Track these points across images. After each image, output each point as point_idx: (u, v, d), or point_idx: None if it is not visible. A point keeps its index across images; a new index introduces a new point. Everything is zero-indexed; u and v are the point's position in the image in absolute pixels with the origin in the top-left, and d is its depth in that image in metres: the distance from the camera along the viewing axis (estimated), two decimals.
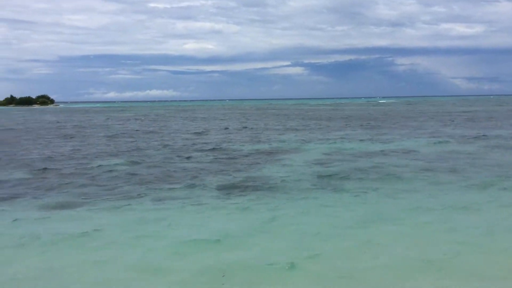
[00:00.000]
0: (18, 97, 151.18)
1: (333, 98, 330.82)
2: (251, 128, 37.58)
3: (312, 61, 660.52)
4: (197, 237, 8.74)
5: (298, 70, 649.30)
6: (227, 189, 13.19)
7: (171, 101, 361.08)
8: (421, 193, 12.29)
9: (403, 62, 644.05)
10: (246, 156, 20.26)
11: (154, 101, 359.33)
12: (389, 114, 59.08)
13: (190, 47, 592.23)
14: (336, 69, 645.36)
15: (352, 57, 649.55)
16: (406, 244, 8.25)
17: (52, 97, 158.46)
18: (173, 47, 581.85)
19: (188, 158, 19.87)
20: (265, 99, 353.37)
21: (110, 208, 11.20)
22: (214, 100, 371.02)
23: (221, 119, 54.51)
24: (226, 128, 38.13)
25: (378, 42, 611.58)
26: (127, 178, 15.16)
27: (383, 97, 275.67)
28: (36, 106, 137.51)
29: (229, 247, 8.23)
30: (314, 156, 19.80)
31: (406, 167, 16.31)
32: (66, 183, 14.43)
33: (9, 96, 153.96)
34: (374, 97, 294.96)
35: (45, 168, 17.29)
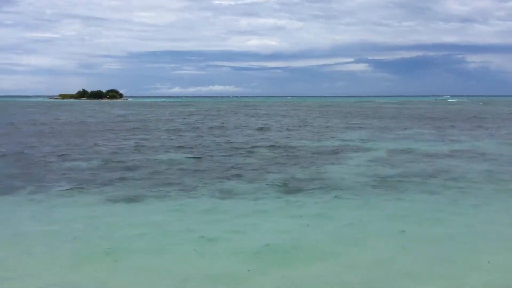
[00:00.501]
0: (90, 91, 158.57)
1: (398, 96, 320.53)
2: (314, 126, 36.97)
3: (377, 57, 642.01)
4: (261, 243, 8.23)
5: (361, 66, 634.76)
6: (291, 189, 12.80)
7: (233, 96, 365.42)
8: (491, 206, 10.96)
9: (474, 60, 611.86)
10: (309, 154, 19.79)
11: (217, 96, 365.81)
12: (459, 114, 56.23)
13: (253, 43, 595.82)
14: (402, 66, 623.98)
15: (419, 53, 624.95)
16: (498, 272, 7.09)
17: (120, 91, 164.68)
18: (236, 43, 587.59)
19: (250, 154, 19.70)
20: (328, 96, 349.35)
21: (173, 205, 11.14)
22: (276, 96, 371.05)
23: (283, 115, 54.20)
24: (288, 125, 37.76)
25: (447, 38, 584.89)
26: (189, 173, 15.19)
27: (452, 96, 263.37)
28: (105, 100, 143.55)
29: (296, 255, 7.69)
30: (380, 156, 19.00)
31: (479, 173, 15.12)
32: (130, 176, 14.67)
33: (81, 90, 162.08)
34: (442, 96, 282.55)
35: (111, 160, 17.77)
